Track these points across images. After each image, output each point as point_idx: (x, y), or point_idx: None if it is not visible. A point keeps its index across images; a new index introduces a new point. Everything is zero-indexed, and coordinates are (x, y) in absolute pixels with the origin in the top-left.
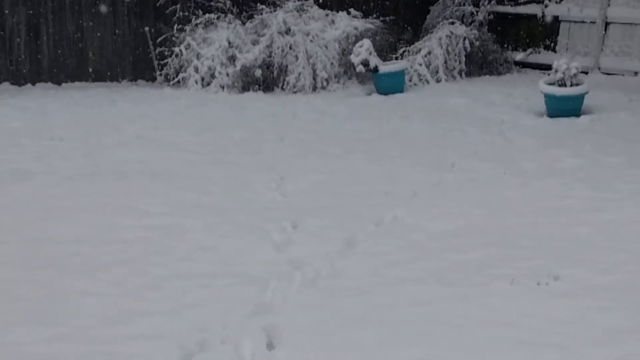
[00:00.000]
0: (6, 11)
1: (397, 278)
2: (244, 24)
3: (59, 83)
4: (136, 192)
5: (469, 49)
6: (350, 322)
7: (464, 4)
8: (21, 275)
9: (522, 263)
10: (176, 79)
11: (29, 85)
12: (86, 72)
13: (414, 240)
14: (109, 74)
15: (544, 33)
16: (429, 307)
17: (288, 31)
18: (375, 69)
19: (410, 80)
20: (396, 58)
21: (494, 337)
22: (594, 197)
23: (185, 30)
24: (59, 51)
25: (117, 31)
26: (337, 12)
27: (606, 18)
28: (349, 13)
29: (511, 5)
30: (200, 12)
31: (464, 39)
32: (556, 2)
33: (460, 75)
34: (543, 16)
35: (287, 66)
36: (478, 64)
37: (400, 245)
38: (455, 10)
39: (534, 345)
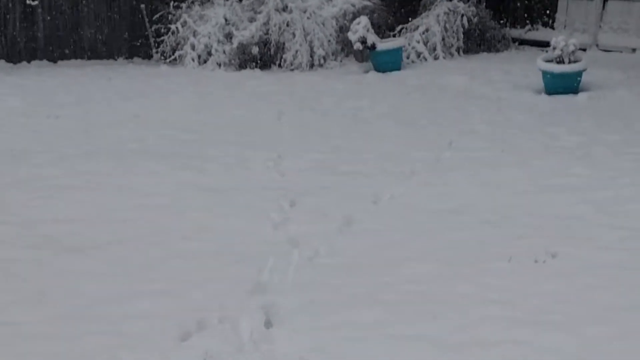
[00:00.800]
0: None
1: (396, 257)
2: (240, 1)
3: (54, 61)
4: (134, 171)
5: (466, 26)
6: (348, 301)
7: None
8: (19, 254)
9: (519, 241)
10: (173, 57)
11: (24, 63)
12: (82, 49)
13: (412, 219)
14: (105, 51)
15: (542, 10)
16: (427, 285)
17: (285, 8)
18: (373, 47)
19: (408, 58)
20: (394, 35)
21: (492, 315)
22: (592, 175)
23: (181, 8)
24: (54, 28)
25: (113, 8)
26: None
27: None
28: None
29: None
30: None
31: (462, 15)
32: None
33: (458, 53)
34: None
35: (284, 43)
36: (476, 41)
37: (398, 224)
38: None
39: (531, 323)
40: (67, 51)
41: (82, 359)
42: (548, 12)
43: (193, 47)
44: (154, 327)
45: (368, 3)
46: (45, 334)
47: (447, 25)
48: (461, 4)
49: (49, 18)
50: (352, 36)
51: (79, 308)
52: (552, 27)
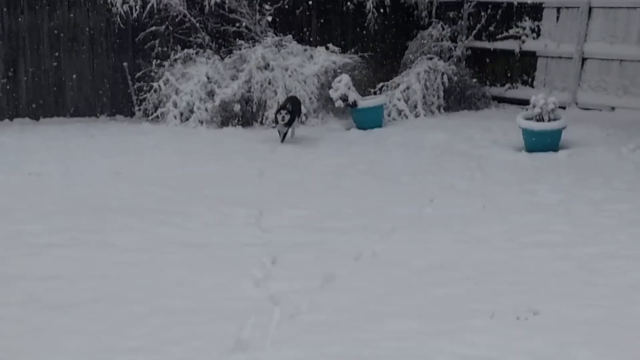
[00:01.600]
0: None
1: (377, 313)
2: (222, 59)
3: (37, 118)
4: (114, 227)
5: (447, 84)
6: (329, 358)
7: (442, 40)
8: None
9: (501, 298)
10: (155, 114)
11: (6, 120)
12: (64, 107)
13: (393, 275)
14: (87, 109)
15: (522, 68)
16: (409, 342)
17: (267, 66)
18: (354, 104)
19: (389, 115)
20: (375, 93)
21: None
22: (572, 231)
23: (164, 66)
24: (37, 87)
25: (95, 66)
26: (316, 47)
27: (583, 53)
28: (327, 48)
29: (489, 41)
30: (179, 48)
31: (442, 74)
32: (533, 38)
33: (439, 110)
34: (520, 52)
35: (266, 101)
36: (456, 98)
37: (379, 280)
38: (434, 46)
39: None
40: (49, 109)
41: None
42: (528, 71)
43: (175, 105)
44: None
45: (349, 61)
46: None
47: (428, 84)
48: (441, 63)
49: (31, 76)
50: (334, 94)
51: None
52: (532, 86)
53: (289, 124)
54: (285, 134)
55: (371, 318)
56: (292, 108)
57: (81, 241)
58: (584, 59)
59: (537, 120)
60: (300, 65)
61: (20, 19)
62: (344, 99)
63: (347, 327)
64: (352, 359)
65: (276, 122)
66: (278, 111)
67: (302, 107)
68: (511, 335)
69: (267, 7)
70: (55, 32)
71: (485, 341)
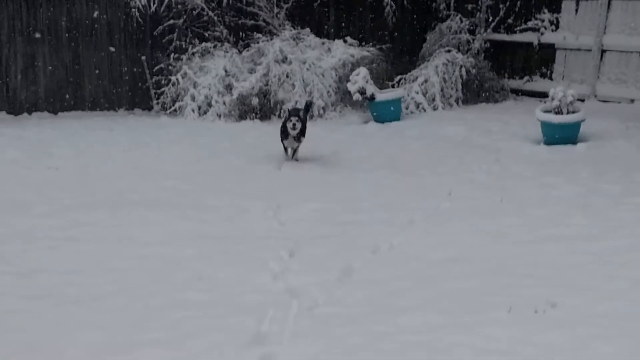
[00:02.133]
0: (2, 39)
1: (395, 306)
2: (240, 52)
3: (55, 112)
4: (133, 221)
5: (465, 77)
6: (347, 352)
7: (461, 32)
8: (18, 306)
9: (519, 291)
10: (173, 108)
11: (25, 114)
12: (83, 101)
13: (411, 269)
14: (105, 103)
15: (540, 61)
16: (427, 335)
17: (285, 59)
18: (372, 97)
19: (407, 108)
20: (393, 86)
21: None
22: (591, 225)
23: (182, 59)
24: (56, 80)
25: (113, 60)
26: (334, 40)
27: (602, 46)
28: (345, 41)
29: (507, 34)
30: (197, 41)
31: (461, 67)
32: (552, 30)
33: (457, 103)
34: (539, 44)
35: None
36: (475, 91)
37: (397, 273)
38: (452, 39)
39: None
40: (68, 103)
41: None
42: (546, 63)
43: (193, 98)
44: None
45: (367, 54)
46: None
47: (446, 76)
48: (460, 55)
49: (50, 69)
50: (351, 87)
51: (79, 359)
52: (551, 78)
53: (300, 134)
54: (295, 150)
55: (389, 311)
56: (303, 115)
57: (100, 235)
58: (603, 51)
59: (556, 113)
60: (318, 59)
61: (38, 13)
62: (362, 92)
63: (365, 320)
64: (371, 352)
65: (285, 134)
66: (287, 119)
67: (320, 100)
68: (529, 328)
69: (284, 0)
70: (74, 26)
71: (503, 334)
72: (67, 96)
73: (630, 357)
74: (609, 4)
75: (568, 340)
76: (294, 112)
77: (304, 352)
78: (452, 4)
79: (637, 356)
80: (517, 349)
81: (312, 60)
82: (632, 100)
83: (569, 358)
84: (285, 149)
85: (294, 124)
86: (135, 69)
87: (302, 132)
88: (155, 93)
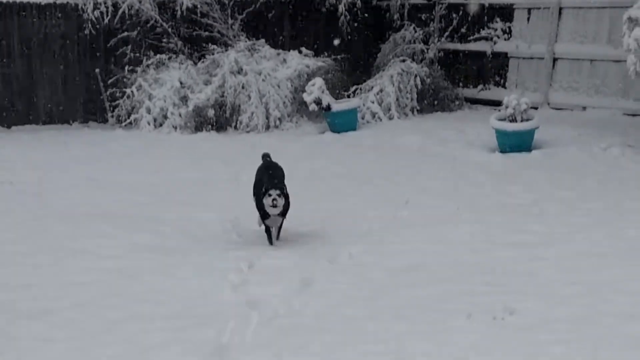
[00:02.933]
0: None
1: (354, 315)
2: (195, 64)
3: (8, 126)
4: (89, 234)
5: (420, 86)
6: None
7: (415, 42)
8: None
9: (478, 298)
10: (128, 120)
11: None
12: (36, 114)
13: (369, 277)
14: (59, 116)
15: (494, 70)
16: (387, 344)
17: (240, 71)
18: (328, 108)
19: (363, 118)
20: (348, 96)
21: None
22: (547, 231)
23: (136, 71)
24: (8, 94)
25: (67, 72)
26: (289, 51)
27: (554, 54)
28: (300, 52)
29: (460, 43)
30: (152, 53)
31: (415, 76)
32: (505, 39)
33: (413, 112)
34: (492, 53)
35: (239, 106)
36: (430, 100)
37: (356, 282)
38: (406, 48)
39: None
40: (21, 117)
41: None
42: (500, 71)
43: (149, 111)
44: None
45: (322, 64)
46: None
47: (401, 86)
48: (414, 65)
49: (2, 84)
50: (307, 97)
51: None
52: (504, 87)
53: (283, 212)
54: (279, 230)
55: (349, 320)
56: (283, 187)
57: (55, 248)
58: (555, 59)
59: (510, 121)
60: (274, 69)
61: None
62: (318, 102)
63: (325, 329)
64: None
65: (265, 215)
66: (264, 194)
67: (277, 111)
68: (488, 335)
69: (239, 11)
70: (26, 39)
71: (463, 341)
72: (20, 110)
73: None
74: (560, 12)
75: (526, 345)
76: (272, 183)
77: None
78: (405, 14)
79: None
80: (477, 356)
81: (268, 71)
82: (584, 108)
83: None
84: (267, 229)
85: (274, 201)
86: (89, 82)
87: (286, 208)
88: (110, 105)
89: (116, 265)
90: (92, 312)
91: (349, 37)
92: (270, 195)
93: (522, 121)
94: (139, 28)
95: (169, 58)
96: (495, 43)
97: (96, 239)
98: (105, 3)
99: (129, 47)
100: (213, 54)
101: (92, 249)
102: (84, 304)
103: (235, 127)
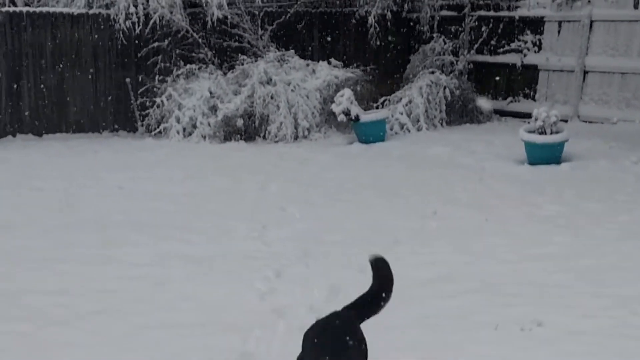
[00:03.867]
0: None
1: (382, 325)
2: (225, 74)
3: (39, 134)
4: (118, 242)
5: (449, 98)
6: None
7: (444, 54)
8: (2, 327)
9: (505, 309)
10: (158, 130)
11: (9, 137)
12: (67, 123)
13: (397, 288)
14: (90, 125)
15: (524, 82)
16: (413, 354)
17: (269, 81)
18: (357, 118)
19: (391, 129)
20: (377, 107)
21: None
22: (575, 243)
23: (166, 81)
24: (40, 102)
25: (98, 82)
26: (318, 61)
27: (584, 67)
28: (329, 63)
29: (490, 55)
30: (182, 63)
31: (445, 87)
32: (535, 52)
33: (441, 124)
34: (522, 65)
35: (268, 116)
36: (458, 112)
37: None
38: (435, 60)
39: None
40: (52, 125)
41: None
42: (529, 84)
43: (178, 120)
44: None
45: (351, 75)
46: None
47: (430, 97)
48: (443, 77)
49: (34, 92)
50: (336, 108)
51: None
52: (534, 99)
53: None
54: None
55: (376, 330)
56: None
57: (84, 256)
58: (585, 72)
59: (539, 134)
60: (303, 80)
61: (23, 36)
62: (347, 113)
63: None
64: None
65: None
66: None
67: (305, 122)
68: (516, 346)
69: (269, 22)
70: (58, 48)
71: (490, 353)
72: (52, 118)
73: None
74: (591, 25)
75: (554, 357)
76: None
77: None
78: (435, 26)
79: None
80: None
81: (297, 82)
82: (615, 121)
83: None
84: None
85: None
86: (120, 91)
87: None
88: (140, 115)
89: (144, 273)
90: (119, 319)
91: (378, 48)
92: None
93: (551, 134)
94: (169, 38)
95: (199, 68)
96: (525, 55)
97: (126, 246)
98: (137, 13)
99: (160, 57)
100: (242, 64)
101: (121, 257)
102: (112, 311)
103: (264, 137)
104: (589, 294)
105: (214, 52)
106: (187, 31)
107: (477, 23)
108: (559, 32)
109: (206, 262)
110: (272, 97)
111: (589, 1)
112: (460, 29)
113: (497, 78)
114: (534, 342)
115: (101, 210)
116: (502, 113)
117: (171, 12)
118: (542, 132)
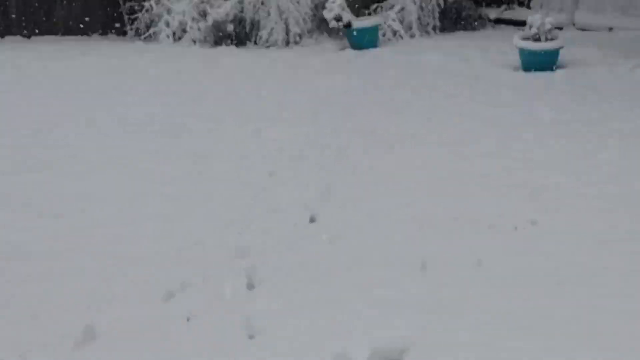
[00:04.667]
0: None
1: (373, 224)
2: None
3: (28, 36)
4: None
5: (442, 5)
6: (332, 266)
7: None
8: None
9: (500, 209)
10: (147, 33)
11: None
12: (55, 25)
13: (390, 185)
14: (78, 28)
15: None
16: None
17: None
18: (349, 25)
19: (384, 36)
20: (369, 14)
21: None
22: (572, 148)
23: None
24: (27, 4)
25: None
26: None
27: None
28: None
29: None
30: None
31: None
32: None
33: (435, 31)
34: None
35: (259, 21)
36: (452, 20)
37: (375, 191)
38: None
39: None
40: (40, 27)
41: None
42: None
43: (167, 24)
44: (140, 288)
45: None
46: None
47: (423, 4)
48: None
49: None
50: (327, 14)
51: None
52: (529, 7)
53: None
54: None
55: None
56: None
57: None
58: None
59: (534, 41)
60: None
61: None
62: (338, 19)
63: (342, 235)
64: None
65: None
66: None
67: (296, 27)
68: (508, 241)
69: None
70: None
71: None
72: (39, 21)
73: None
74: None
75: (554, 251)
76: None
77: (288, 263)
78: None
79: None
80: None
81: None
82: (610, 29)
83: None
84: None
85: None
86: None
87: None
88: (128, 19)
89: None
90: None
91: None
92: None
93: (546, 41)
94: None
95: None
96: None
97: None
98: None
99: None
100: None
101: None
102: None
103: (255, 42)
104: (587, 196)
105: None
106: None
107: None
108: None
109: (206, 159)
110: (262, 3)
111: None
112: None
113: None
114: (526, 238)
115: (99, 113)
116: (496, 21)
117: None
118: (537, 39)
